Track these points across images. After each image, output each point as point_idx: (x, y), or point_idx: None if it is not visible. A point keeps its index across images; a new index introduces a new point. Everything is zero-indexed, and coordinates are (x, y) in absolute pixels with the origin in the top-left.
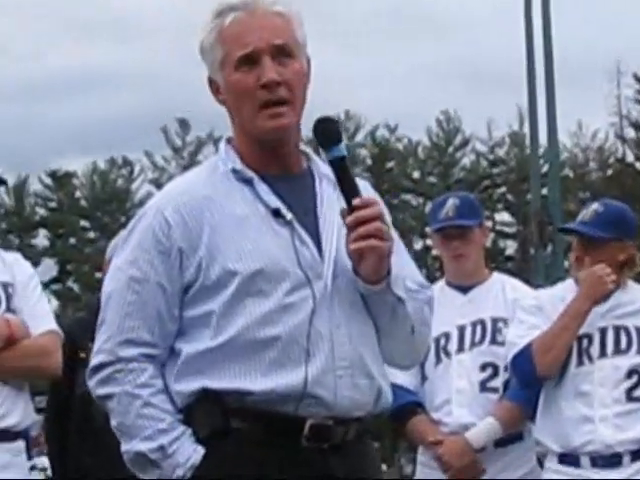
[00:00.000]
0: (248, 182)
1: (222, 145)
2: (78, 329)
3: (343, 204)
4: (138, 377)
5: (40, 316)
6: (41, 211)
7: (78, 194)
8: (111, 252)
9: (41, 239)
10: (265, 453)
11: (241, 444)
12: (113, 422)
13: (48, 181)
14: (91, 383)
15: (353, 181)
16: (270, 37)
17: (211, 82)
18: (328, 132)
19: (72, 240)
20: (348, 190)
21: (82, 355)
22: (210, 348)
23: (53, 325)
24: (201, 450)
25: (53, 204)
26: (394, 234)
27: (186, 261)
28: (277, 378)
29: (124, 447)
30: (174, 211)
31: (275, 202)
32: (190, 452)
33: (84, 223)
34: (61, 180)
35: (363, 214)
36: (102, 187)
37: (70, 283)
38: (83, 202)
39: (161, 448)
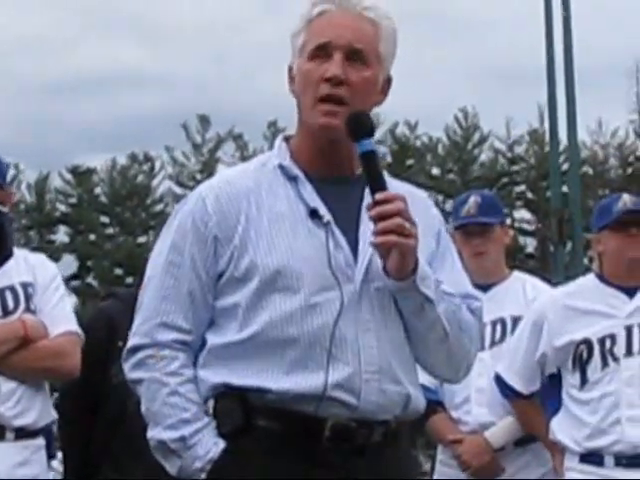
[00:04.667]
0: (293, 180)
1: (277, 141)
2: (116, 317)
3: None
4: (168, 365)
5: (60, 317)
6: (61, 207)
7: (98, 190)
8: None
9: (61, 235)
10: (286, 452)
11: (262, 441)
12: (142, 407)
13: (69, 177)
14: (125, 366)
15: (380, 176)
16: (350, 38)
17: (289, 71)
18: (360, 125)
19: (92, 236)
20: (374, 184)
21: (119, 344)
22: (234, 342)
23: (73, 326)
24: (221, 444)
25: (73, 200)
26: (448, 241)
27: (220, 249)
28: (297, 378)
29: (149, 433)
30: (214, 199)
31: (314, 202)
32: (210, 445)
33: (104, 219)
34: (82, 176)
35: (384, 209)
36: (122, 183)
37: (90, 279)
38: (103, 198)
39: (182, 439)
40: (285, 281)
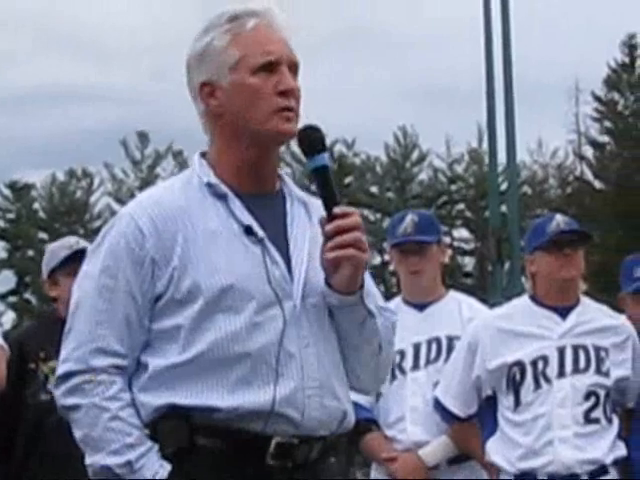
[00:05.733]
0: (222, 197)
1: (196, 158)
2: (28, 339)
3: (316, 226)
4: (107, 389)
5: None
6: (0, 222)
7: (36, 206)
8: (44, 270)
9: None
10: (230, 471)
11: (206, 461)
12: (78, 433)
13: (7, 192)
14: (57, 392)
15: (334, 190)
16: (288, 51)
17: (203, 86)
18: (313, 140)
19: (30, 252)
20: (329, 199)
21: (32, 366)
22: (177, 363)
23: None
24: (167, 466)
25: (12, 215)
26: None
27: (158, 272)
28: (244, 396)
29: (89, 460)
30: (148, 220)
31: (248, 219)
32: (157, 468)
33: (42, 235)
34: (20, 191)
35: (343, 223)
36: (61, 199)
37: (28, 295)
38: (41, 214)
39: (128, 463)
40: (229, 301)
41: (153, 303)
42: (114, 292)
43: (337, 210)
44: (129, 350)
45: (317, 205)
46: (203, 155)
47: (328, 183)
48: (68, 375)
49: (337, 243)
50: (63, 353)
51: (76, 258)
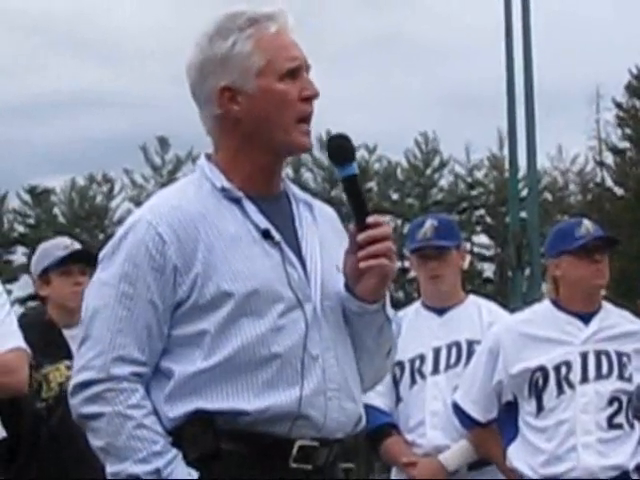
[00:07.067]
0: (236, 201)
1: (203, 162)
2: None
3: (321, 228)
4: (130, 397)
5: (7, 334)
6: (19, 227)
7: (56, 211)
8: (35, 268)
9: (19, 255)
10: (255, 475)
11: (231, 467)
12: (98, 442)
13: (27, 198)
14: (75, 400)
15: (364, 200)
16: (304, 56)
17: (224, 90)
18: (343, 149)
19: None
20: (359, 208)
21: None
22: (203, 369)
23: (20, 342)
24: (195, 474)
25: (31, 221)
26: None
27: (179, 279)
28: (270, 398)
29: (112, 469)
30: (168, 227)
31: (264, 223)
32: (184, 475)
33: None
34: (40, 197)
35: (376, 233)
36: (80, 204)
37: None
38: (61, 219)
39: (157, 471)
40: (254, 305)
41: (173, 310)
42: (134, 299)
43: (370, 220)
44: (149, 358)
45: (321, 208)
46: (209, 157)
47: (358, 192)
48: (88, 383)
49: (370, 252)
50: (81, 361)
51: (71, 259)
